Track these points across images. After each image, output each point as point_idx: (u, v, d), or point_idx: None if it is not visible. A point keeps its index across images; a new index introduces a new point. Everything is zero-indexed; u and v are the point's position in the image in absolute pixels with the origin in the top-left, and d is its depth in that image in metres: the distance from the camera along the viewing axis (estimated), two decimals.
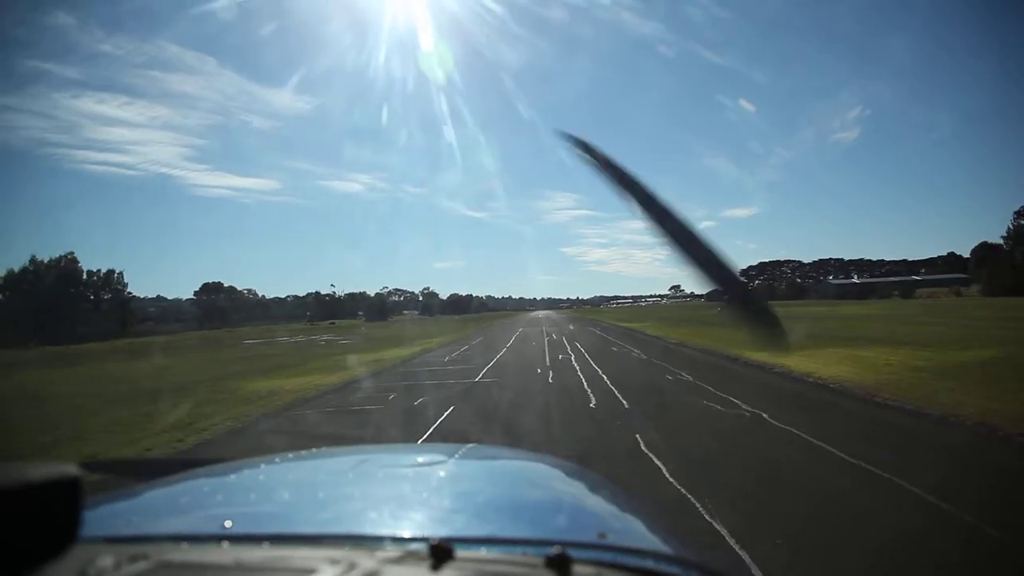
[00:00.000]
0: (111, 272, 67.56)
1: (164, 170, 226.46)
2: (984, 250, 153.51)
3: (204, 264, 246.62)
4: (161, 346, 40.31)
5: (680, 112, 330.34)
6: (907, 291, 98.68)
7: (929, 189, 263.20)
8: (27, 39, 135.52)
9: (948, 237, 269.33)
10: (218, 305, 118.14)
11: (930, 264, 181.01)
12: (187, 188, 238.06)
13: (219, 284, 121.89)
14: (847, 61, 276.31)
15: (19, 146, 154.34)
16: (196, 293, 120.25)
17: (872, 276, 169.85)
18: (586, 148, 1.57)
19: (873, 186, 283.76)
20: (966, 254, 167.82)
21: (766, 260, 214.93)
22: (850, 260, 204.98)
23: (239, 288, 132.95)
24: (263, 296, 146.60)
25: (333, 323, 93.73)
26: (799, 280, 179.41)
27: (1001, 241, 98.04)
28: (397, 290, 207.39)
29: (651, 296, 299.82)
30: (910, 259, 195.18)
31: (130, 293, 71.82)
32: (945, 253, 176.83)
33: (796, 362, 14.29)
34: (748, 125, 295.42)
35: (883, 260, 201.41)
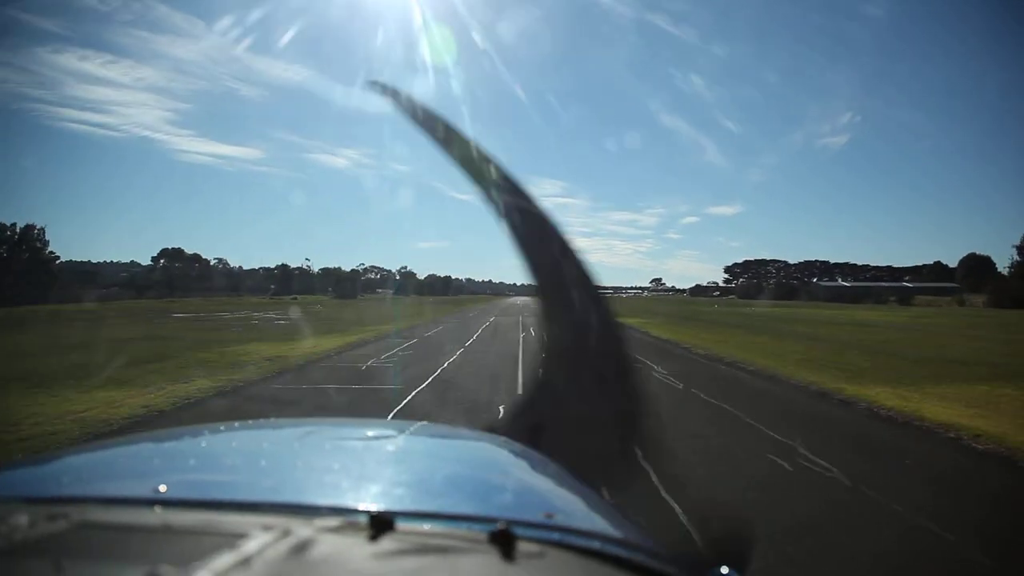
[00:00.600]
0: (29, 228, 58.18)
1: (147, 133, 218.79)
2: (972, 261, 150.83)
3: (182, 231, 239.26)
4: (62, 316, 32.71)
5: (671, 107, 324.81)
6: (904, 298, 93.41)
7: (916, 199, 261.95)
8: None
9: (931, 247, 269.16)
10: (176, 272, 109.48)
11: (915, 272, 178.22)
12: (170, 153, 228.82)
13: (179, 250, 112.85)
14: (839, 67, 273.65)
15: None
16: (153, 259, 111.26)
17: (856, 280, 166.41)
18: (397, 97, 1.48)
19: (860, 192, 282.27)
20: (951, 263, 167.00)
21: (751, 258, 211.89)
22: (836, 263, 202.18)
23: (206, 256, 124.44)
24: (240, 267, 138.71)
25: (295, 299, 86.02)
26: (785, 280, 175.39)
27: (990, 253, 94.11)
28: (374, 267, 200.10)
29: (632, 288, 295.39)
30: (895, 265, 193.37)
31: (52, 253, 62.59)
32: (931, 262, 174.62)
33: (950, 413, 7.78)
34: (739, 124, 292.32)
35: (868, 265, 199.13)
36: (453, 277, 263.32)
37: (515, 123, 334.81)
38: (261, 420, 1.67)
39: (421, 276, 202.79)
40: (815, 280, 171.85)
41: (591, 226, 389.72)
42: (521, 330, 24.81)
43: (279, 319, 34.30)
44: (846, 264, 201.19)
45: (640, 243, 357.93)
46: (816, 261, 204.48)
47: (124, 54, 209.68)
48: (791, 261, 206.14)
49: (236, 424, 1.55)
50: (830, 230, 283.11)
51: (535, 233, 1.41)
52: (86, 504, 0.78)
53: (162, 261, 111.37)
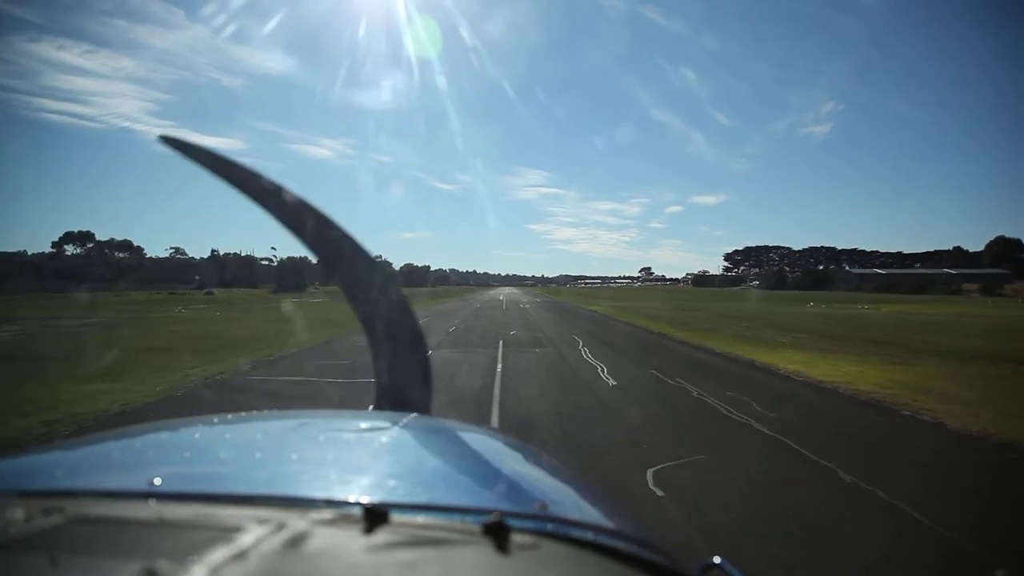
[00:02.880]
0: None
1: (126, 124, 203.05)
2: (1000, 245, 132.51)
3: (155, 221, 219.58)
4: None
5: (656, 98, 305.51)
6: (990, 287, 73.23)
7: (916, 184, 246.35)
8: None
9: (929, 232, 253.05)
10: (91, 260, 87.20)
11: (931, 258, 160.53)
12: (150, 144, 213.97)
13: (88, 234, 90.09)
14: (823, 56, 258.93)
15: None
16: (54, 244, 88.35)
17: (865, 267, 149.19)
18: (184, 147, 1.52)
19: (850, 178, 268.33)
20: (968, 248, 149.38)
21: (752, 245, 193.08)
22: (842, 250, 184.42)
23: (138, 244, 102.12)
24: (214, 256, 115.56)
25: (210, 293, 64.65)
26: (785, 268, 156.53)
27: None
28: None
29: (621, 278, 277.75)
30: (905, 251, 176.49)
31: None
32: (950, 247, 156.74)
33: None
34: (723, 114, 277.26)
35: (877, 251, 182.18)
36: (438, 267, 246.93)
37: (500, 113, 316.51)
38: (254, 413, 1.54)
39: (401, 266, 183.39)
40: (820, 267, 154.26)
41: (576, 216, 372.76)
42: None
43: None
44: (853, 250, 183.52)
45: (624, 233, 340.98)
46: (821, 247, 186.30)
47: (102, 44, 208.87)
48: (795, 247, 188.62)
49: (229, 416, 1.47)
50: (823, 217, 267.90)
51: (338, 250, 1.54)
52: (81, 498, 0.76)
53: (67, 248, 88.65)
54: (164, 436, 1.27)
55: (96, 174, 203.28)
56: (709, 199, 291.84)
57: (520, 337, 17.36)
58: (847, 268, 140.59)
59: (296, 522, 0.67)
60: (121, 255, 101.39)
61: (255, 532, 0.64)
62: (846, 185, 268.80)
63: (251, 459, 1.09)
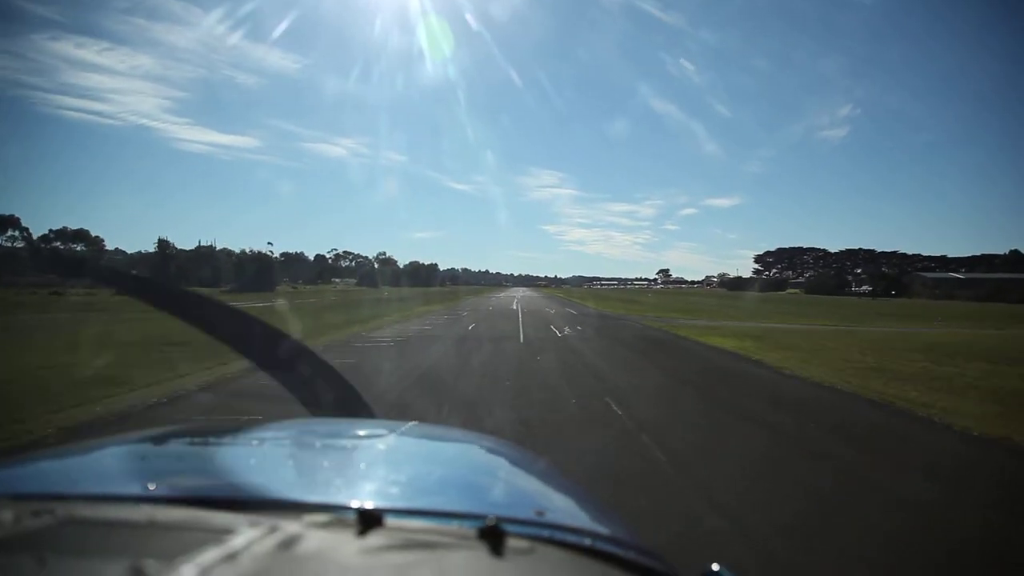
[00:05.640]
0: None
1: (144, 121, 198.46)
2: None
3: (166, 217, 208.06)
4: None
5: (671, 100, 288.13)
6: None
7: (946, 185, 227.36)
8: None
9: (975, 235, 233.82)
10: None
11: (979, 262, 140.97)
12: (167, 141, 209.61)
13: (11, 219, 73.16)
14: (839, 59, 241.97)
15: None
16: None
17: (903, 271, 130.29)
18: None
19: (873, 181, 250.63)
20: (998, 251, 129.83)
21: (785, 246, 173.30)
22: (882, 252, 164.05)
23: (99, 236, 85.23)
24: (162, 248, 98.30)
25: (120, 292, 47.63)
26: (829, 270, 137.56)
27: None
28: (347, 253, 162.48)
29: (638, 280, 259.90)
30: (949, 255, 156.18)
31: None
32: (1005, 251, 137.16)
33: None
34: (738, 117, 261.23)
35: (919, 255, 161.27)
36: (449, 267, 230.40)
37: (514, 113, 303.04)
38: (251, 419, 1.48)
39: (406, 264, 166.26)
40: (858, 270, 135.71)
41: (590, 217, 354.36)
42: None
43: None
44: (894, 253, 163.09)
45: (638, 235, 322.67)
46: (860, 249, 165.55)
47: (121, 41, 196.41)
48: (831, 250, 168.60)
49: (226, 422, 1.40)
50: (850, 220, 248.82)
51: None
52: (72, 501, 0.74)
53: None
54: (158, 442, 1.22)
55: (113, 171, 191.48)
56: (723, 202, 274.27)
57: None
58: (920, 272, 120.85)
59: (289, 525, 0.65)
60: (77, 247, 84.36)
61: (247, 534, 0.62)
62: (872, 188, 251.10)
63: (246, 464, 1.05)
